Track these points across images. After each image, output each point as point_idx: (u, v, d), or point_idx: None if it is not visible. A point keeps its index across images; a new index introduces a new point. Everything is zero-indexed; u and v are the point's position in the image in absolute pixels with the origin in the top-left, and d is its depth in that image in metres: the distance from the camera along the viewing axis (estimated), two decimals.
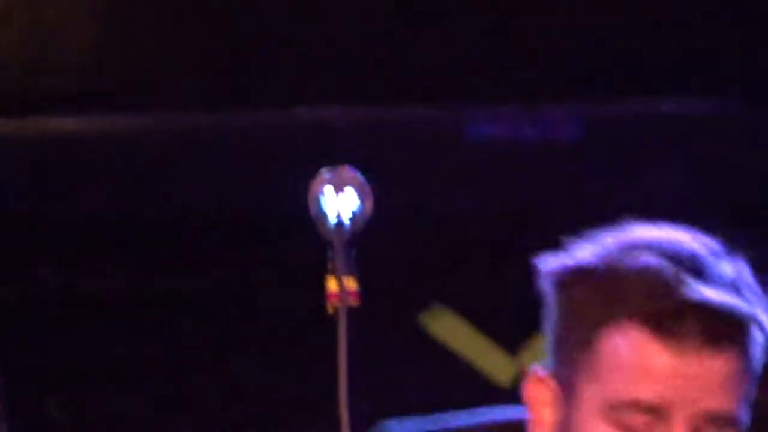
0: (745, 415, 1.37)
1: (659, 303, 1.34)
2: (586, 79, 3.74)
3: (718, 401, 1.34)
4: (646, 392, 1.35)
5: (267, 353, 3.61)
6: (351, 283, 1.25)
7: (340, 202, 1.28)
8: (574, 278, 1.38)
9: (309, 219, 1.30)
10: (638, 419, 1.35)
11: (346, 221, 1.27)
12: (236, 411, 3.75)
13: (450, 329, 3.64)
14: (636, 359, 1.36)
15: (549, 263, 1.39)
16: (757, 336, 1.35)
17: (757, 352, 1.36)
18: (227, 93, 3.66)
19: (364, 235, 1.31)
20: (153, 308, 3.84)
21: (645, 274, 1.35)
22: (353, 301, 1.24)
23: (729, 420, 1.35)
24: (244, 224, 3.51)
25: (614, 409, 1.35)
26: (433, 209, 3.28)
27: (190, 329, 3.83)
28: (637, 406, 1.35)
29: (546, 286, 1.40)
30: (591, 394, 1.37)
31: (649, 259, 1.35)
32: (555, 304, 1.40)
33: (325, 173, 1.27)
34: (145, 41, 3.99)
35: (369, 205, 1.28)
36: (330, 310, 1.25)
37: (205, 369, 3.80)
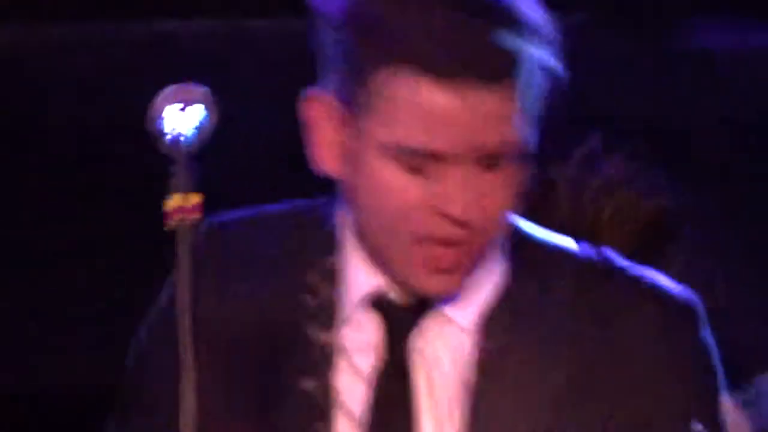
0: (527, 151, 1.38)
1: (433, 43, 1.31)
2: None
3: (499, 138, 1.34)
4: (427, 136, 1.34)
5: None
6: (193, 199, 1.24)
7: (182, 118, 1.26)
8: (349, 19, 1.36)
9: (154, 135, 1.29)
10: (424, 161, 1.35)
11: (188, 137, 1.26)
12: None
13: None
14: (416, 102, 1.34)
15: (326, 5, 1.38)
16: (536, 75, 1.35)
17: (537, 91, 1.36)
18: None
19: (208, 150, 1.30)
20: None
21: (420, 15, 1.33)
22: (194, 217, 1.23)
23: (510, 155, 1.36)
24: (92, 138, 3.47)
25: (399, 151, 1.35)
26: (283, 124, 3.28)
27: None
28: (420, 149, 1.34)
29: (322, 29, 1.40)
30: (374, 133, 1.36)
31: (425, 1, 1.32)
32: (332, 45, 1.39)
33: (168, 89, 1.26)
34: None
35: (213, 120, 1.27)
36: (170, 227, 1.24)
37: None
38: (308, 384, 1.43)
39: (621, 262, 1.47)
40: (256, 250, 1.50)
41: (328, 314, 1.45)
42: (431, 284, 1.39)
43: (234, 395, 1.44)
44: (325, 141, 1.42)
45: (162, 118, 1.26)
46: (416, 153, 1.34)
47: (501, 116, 1.33)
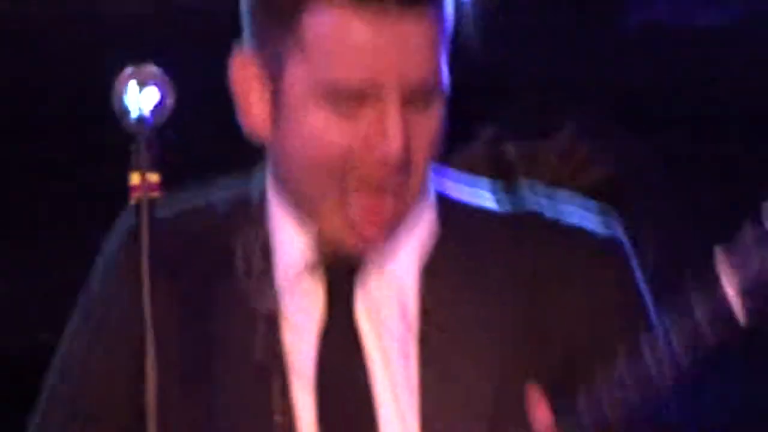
0: (445, 81, 1.41)
1: None
2: None
3: (424, 69, 1.37)
4: (355, 70, 1.35)
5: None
6: (153, 177, 1.29)
7: (142, 98, 1.31)
8: None
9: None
10: (355, 103, 1.35)
11: (147, 115, 1.31)
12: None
13: None
14: (339, 37, 1.35)
15: None
16: (447, 4, 1.39)
17: (448, 20, 1.41)
18: None
19: (167, 128, 1.35)
20: None
21: None
22: (154, 194, 1.28)
23: (433, 85, 1.40)
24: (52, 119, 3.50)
25: (329, 92, 1.35)
26: None
27: None
28: (348, 84, 1.35)
29: None
30: (304, 78, 1.36)
31: None
32: None
33: (128, 70, 1.31)
34: None
35: (171, 99, 1.32)
36: (132, 201, 1.30)
37: None
38: (258, 354, 1.46)
39: (550, 213, 1.51)
40: (189, 242, 1.51)
41: (266, 285, 1.48)
42: (365, 235, 1.41)
43: (183, 374, 1.45)
44: (254, 101, 1.42)
45: (123, 98, 1.31)
46: (345, 92, 1.36)
47: (422, 45, 1.36)
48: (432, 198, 1.48)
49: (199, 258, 1.47)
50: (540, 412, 1.37)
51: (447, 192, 1.51)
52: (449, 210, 1.50)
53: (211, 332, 1.47)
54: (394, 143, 1.34)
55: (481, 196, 1.54)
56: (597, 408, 1.34)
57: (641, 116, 3.37)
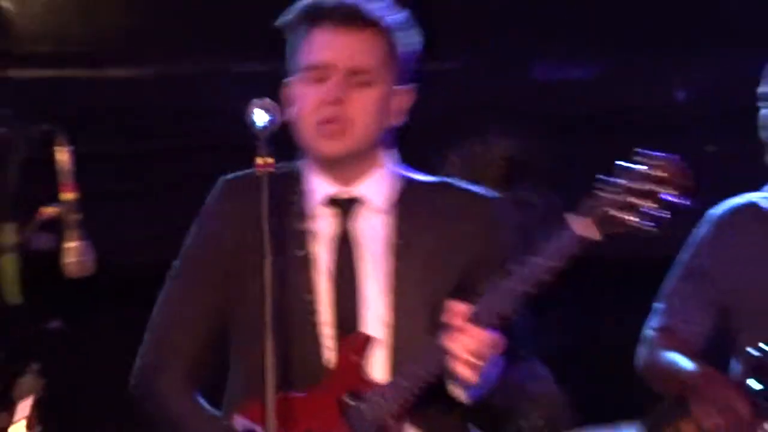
0: (383, 76, 2.51)
1: (321, 10, 2.49)
2: None
3: (358, 61, 2.46)
4: (314, 57, 2.48)
5: None
6: (269, 160, 2.35)
7: (262, 116, 2.37)
8: (293, 18, 2.52)
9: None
10: (313, 75, 2.49)
11: (265, 125, 2.34)
12: None
13: None
14: (315, 41, 2.49)
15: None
16: (389, 30, 2.51)
17: (398, 42, 2.52)
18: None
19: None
20: None
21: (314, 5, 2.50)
22: (270, 169, 2.33)
23: (368, 74, 2.48)
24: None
25: (305, 70, 2.49)
26: None
27: None
28: (311, 66, 2.49)
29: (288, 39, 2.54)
30: (299, 68, 2.53)
31: None
32: (290, 43, 2.56)
33: (255, 101, 2.35)
34: None
35: (277, 117, 2.36)
36: (258, 174, 2.33)
37: None
38: (300, 253, 2.49)
39: (458, 184, 2.62)
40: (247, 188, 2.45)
41: (302, 214, 2.52)
42: (325, 148, 2.48)
43: (255, 260, 2.33)
44: (289, 108, 2.53)
45: (253, 115, 2.37)
46: (313, 68, 2.49)
47: (360, 48, 2.48)
48: (396, 170, 2.57)
49: (249, 199, 2.40)
50: (454, 304, 2.32)
51: (407, 174, 2.60)
52: (407, 180, 2.57)
53: (254, 249, 2.33)
54: (332, 92, 2.45)
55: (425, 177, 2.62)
56: (486, 306, 2.31)
57: None
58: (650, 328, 3.25)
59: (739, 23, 5.02)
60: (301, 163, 2.58)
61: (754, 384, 3.01)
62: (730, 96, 4.64)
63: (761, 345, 3.02)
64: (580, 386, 3.83)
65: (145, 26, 5.08)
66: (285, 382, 2.34)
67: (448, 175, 2.73)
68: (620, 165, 2.28)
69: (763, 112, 3.19)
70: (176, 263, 2.60)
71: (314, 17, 2.47)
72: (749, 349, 3.07)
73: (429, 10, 2.71)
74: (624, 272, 4.53)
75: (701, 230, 3.22)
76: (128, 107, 5.04)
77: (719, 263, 3.18)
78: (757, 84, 3.26)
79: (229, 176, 2.60)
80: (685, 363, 3.10)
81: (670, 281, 3.26)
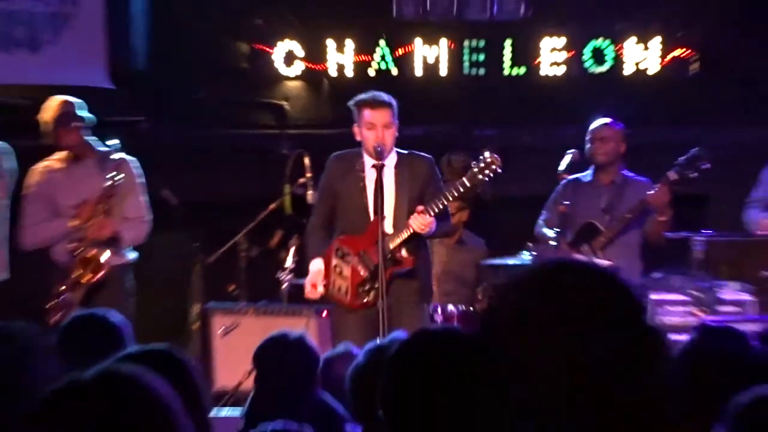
0: (395, 124, 5.83)
1: (371, 100, 5.82)
2: None
3: (387, 121, 5.79)
4: (369, 120, 5.81)
5: None
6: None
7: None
8: (355, 105, 5.92)
9: None
10: (370, 128, 5.80)
11: None
12: None
13: None
14: (366, 113, 5.81)
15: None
16: (393, 106, 5.80)
17: (396, 110, 5.80)
18: None
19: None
20: None
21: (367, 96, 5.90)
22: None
23: (391, 125, 5.79)
24: None
25: (365, 125, 5.79)
26: None
27: None
28: (368, 123, 5.77)
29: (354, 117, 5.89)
30: (362, 124, 5.86)
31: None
32: (354, 114, 5.87)
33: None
34: None
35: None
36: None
37: None
38: (360, 184, 5.81)
39: (419, 153, 5.96)
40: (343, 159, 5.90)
41: (362, 170, 5.81)
42: (374, 151, 5.74)
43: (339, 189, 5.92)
44: (357, 132, 5.85)
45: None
46: (368, 124, 5.75)
47: (386, 115, 5.80)
48: (395, 151, 5.84)
49: (343, 163, 5.92)
50: (418, 207, 5.68)
51: (399, 150, 5.88)
52: (399, 154, 5.86)
53: (345, 182, 5.85)
54: (381, 135, 5.72)
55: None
56: (429, 206, 5.67)
57: None
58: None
59: None
60: (360, 150, 5.80)
61: None
62: None
63: None
64: None
65: None
66: (350, 232, 5.82)
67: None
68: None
69: None
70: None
71: (365, 104, 5.75)
72: None
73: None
74: None
75: None
76: None
77: None
78: None
79: (336, 153, 5.89)
80: None
81: None
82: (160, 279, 7.37)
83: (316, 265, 5.73)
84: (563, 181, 6.45)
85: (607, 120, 6.46)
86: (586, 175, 6.49)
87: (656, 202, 6.17)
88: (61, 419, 1.66)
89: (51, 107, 6.14)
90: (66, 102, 6.18)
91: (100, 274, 6.07)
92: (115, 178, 6.06)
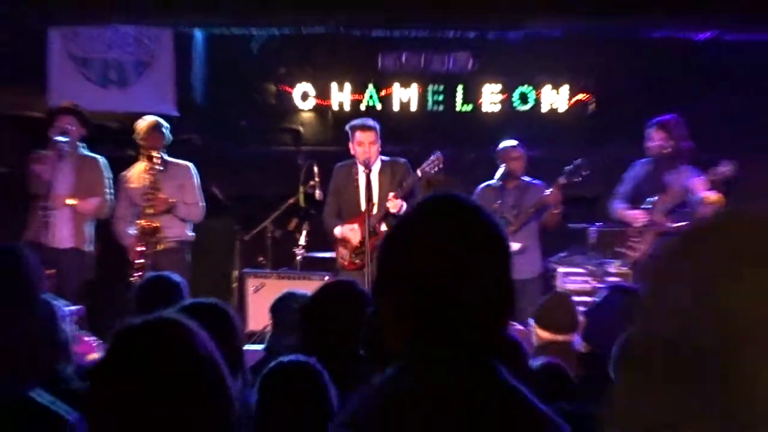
0: (378, 142, 6.65)
1: (360, 125, 6.65)
2: None
3: (373, 140, 6.41)
4: (360, 139, 6.46)
5: None
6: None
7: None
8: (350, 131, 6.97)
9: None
10: (358, 143, 6.51)
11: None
12: None
13: None
14: (358, 134, 6.47)
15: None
16: (377, 129, 6.56)
17: (379, 132, 6.65)
18: None
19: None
20: None
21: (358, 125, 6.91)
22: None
23: (376, 143, 6.50)
24: None
25: (356, 143, 6.50)
26: None
27: None
28: (360, 142, 6.54)
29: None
30: (354, 142, 6.64)
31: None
32: (351, 132, 7.04)
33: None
34: None
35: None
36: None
37: None
38: (355, 184, 6.58)
39: (396, 158, 6.77)
40: (343, 167, 6.94)
41: (356, 174, 6.59)
42: (363, 163, 6.78)
43: (340, 186, 6.81)
44: (352, 148, 6.92)
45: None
46: (359, 143, 6.58)
47: (372, 136, 6.56)
48: (380, 158, 6.86)
49: (343, 170, 6.83)
50: (393, 194, 6.79)
51: (382, 158, 7.00)
52: (382, 161, 6.83)
53: (345, 183, 6.70)
54: (367, 152, 6.53)
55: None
56: (401, 194, 6.61)
57: None
58: None
59: None
60: (355, 160, 6.50)
61: None
62: None
63: None
64: None
65: None
66: (349, 217, 6.36)
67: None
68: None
69: None
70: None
71: (357, 127, 6.48)
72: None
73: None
74: None
75: None
76: None
77: None
78: None
79: (338, 163, 6.51)
80: None
81: None
82: (210, 251, 7.86)
83: (339, 229, 6.57)
84: (482, 186, 6.86)
85: (515, 142, 6.87)
86: (496, 181, 6.85)
87: (551, 200, 6.64)
88: (118, 354, 1.60)
89: (147, 119, 6.67)
90: (158, 120, 6.67)
91: (163, 241, 6.43)
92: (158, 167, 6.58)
